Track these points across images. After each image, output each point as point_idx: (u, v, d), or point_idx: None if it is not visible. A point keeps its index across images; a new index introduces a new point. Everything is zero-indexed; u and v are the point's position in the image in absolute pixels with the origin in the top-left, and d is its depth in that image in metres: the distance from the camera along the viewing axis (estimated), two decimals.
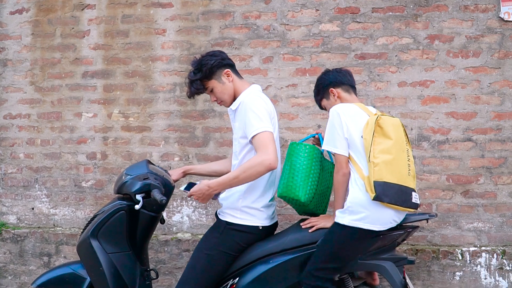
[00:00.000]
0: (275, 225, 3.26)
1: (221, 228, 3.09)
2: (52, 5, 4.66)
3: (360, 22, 4.14)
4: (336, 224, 2.93)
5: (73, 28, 4.62)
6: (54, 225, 4.62)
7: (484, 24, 3.99)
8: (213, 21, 4.37)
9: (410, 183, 2.92)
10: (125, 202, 3.23)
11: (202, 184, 3.02)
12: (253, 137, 2.93)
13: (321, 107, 3.28)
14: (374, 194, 2.81)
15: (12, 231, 4.57)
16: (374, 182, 2.82)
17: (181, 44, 4.41)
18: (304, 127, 4.18)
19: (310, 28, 4.20)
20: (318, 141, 3.32)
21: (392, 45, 4.08)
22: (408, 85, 4.06)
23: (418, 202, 2.95)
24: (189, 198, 3.04)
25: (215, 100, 3.20)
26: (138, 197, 3.10)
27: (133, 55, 4.49)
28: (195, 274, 3.07)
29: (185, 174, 3.61)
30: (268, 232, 3.19)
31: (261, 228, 3.10)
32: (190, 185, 3.19)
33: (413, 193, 2.91)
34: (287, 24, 4.24)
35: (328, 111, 3.15)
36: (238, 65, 4.22)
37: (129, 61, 4.50)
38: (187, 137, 4.39)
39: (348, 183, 2.96)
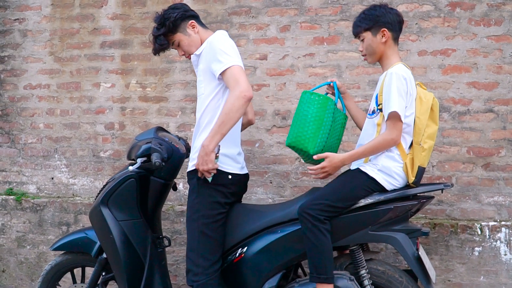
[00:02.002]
0: (246, 176, 3.20)
1: (196, 188, 3.01)
2: None
3: None
4: (359, 171, 2.89)
5: None
6: (73, 194, 4.66)
7: None
8: None
9: None
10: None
11: None
12: (222, 73, 2.85)
13: (356, 36, 3.04)
14: (414, 179, 2.82)
15: (32, 201, 4.63)
16: (419, 167, 2.82)
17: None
18: None
19: None
20: (332, 89, 3.21)
21: (413, 13, 3.96)
22: (429, 54, 3.94)
23: None
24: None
25: (183, 54, 3.14)
26: (138, 160, 3.09)
27: (150, 24, 4.42)
28: (197, 242, 3.01)
29: None
30: (241, 185, 3.15)
31: (230, 177, 3.01)
32: None
33: None
34: None
35: (361, 41, 3.00)
36: (255, 34, 4.20)
37: (146, 31, 4.47)
38: None
39: None
